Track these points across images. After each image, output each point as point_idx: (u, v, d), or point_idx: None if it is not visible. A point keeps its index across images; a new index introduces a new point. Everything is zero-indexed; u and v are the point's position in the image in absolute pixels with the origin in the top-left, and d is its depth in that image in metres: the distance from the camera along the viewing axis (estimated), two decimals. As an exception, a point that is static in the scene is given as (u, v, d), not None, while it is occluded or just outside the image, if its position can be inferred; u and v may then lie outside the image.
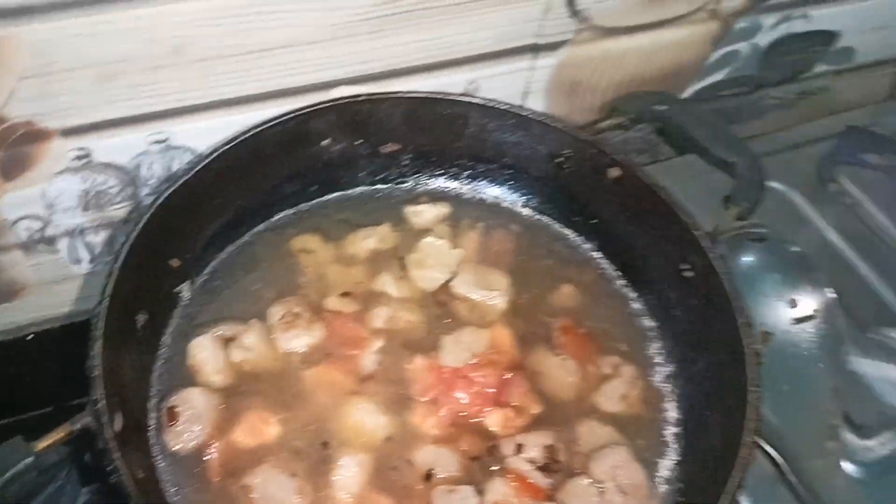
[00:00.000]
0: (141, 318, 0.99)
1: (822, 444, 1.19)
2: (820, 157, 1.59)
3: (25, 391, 1.42)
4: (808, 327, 1.29)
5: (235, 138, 1.07)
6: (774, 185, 1.49)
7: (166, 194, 1.00)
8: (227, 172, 1.08)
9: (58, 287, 1.32)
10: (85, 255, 1.29)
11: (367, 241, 1.17)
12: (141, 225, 0.96)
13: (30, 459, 0.78)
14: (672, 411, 1.05)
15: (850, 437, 1.22)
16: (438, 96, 1.16)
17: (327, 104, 1.13)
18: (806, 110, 1.74)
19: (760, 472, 1.17)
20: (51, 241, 1.25)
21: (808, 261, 1.30)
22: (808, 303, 1.27)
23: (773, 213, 1.33)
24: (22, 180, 1.15)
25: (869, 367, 1.29)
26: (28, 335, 1.37)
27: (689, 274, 1.07)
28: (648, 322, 1.13)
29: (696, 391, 1.04)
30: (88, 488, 1.36)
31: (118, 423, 0.85)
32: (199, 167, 1.03)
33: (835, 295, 1.27)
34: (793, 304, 1.27)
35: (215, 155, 1.05)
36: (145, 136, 1.17)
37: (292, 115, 1.10)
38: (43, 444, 0.80)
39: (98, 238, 1.28)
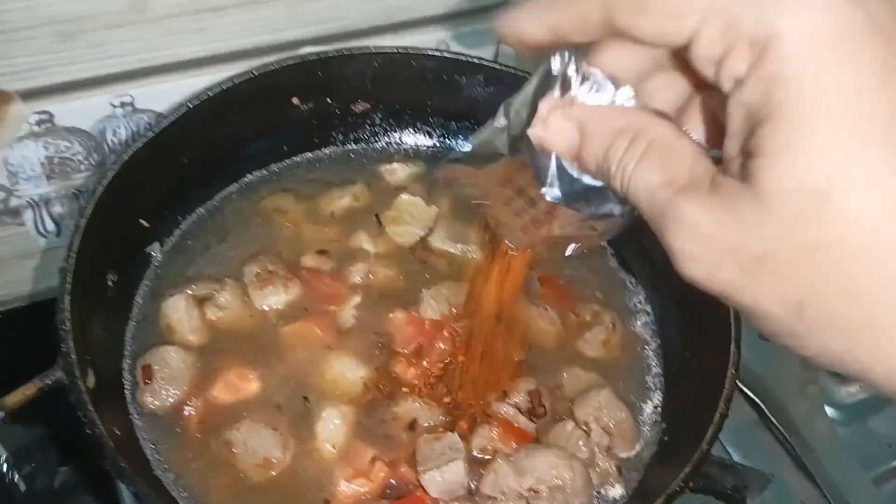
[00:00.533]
0: (111, 277, 0.96)
1: (803, 389, 1.19)
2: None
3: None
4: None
5: (203, 94, 1.05)
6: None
7: (133, 150, 0.97)
8: (195, 129, 1.05)
9: (25, 262, 1.29)
10: (52, 227, 1.26)
11: (342, 199, 1.15)
12: (107, 181, 0.93)
13: (0, 414, 0.75)
14: (653, 354, 1.05)
15: (829, 382, 1.23)
16: (410, 51, 1.14)
17: (295, 60, 1.11)
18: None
19: (743, 417, 1.18)
20: (15, 213, 1.21)
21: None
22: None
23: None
24: (-18, 147, 1.11)
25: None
26: (-5, 314, 1.33)
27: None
28: (627, 270, 1.13)
29: (677, 334, 1.04)
30: (65, 468, 1.32)
31: (90, 379, 0.83)
32: (167, 123, 1.01)
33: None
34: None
35: (183, 111, 1.02)
36: (109, 98, 1.14)
37: (259, 71, 1.08)
38: (13, 398, 0.78)
39: (65, 209, 1.25)
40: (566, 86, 0.52)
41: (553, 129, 0.53)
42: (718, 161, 0.47)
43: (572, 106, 0.52)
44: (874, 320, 0.41)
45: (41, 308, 1.33)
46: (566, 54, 0.52)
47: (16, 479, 1.24)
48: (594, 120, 0.51)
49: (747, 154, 0.43)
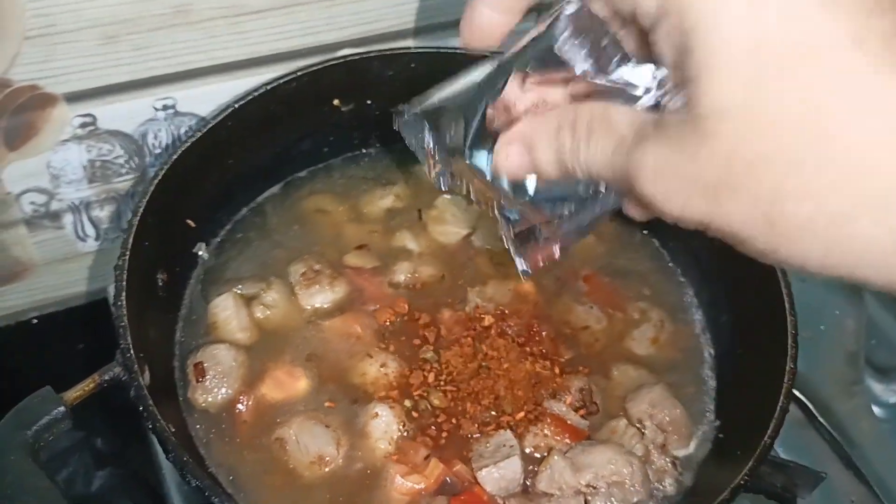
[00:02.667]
0: (161, 277, 0.96)
1: (849, 388, 1.18)
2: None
3: (29, 379, 1.38)
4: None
5: (248, 95, 1.05)
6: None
7: (180, 151, 0.97)
8: (240, 131, 1.06)
9: (63, 266, 1.29)
10: (91, 231, 1.26)
11: (383, 199, 1.15)
12: (158, 179, 0.94)
13: (62, 409, 0.75)
14: (704, 351, 1.04)
15: (873, 382, 1.22)
16: (452, 51, 1.14)
17: (338, 60, 1.12)
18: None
19: (789, 416, 1.17)
20: (56, 217, 1.22)
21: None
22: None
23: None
24: (26, 149, 1.12)
25: (888, 313, 1.29)
26: (32, 319, 1.33)
27: (712, 215, 1.06)
28: (674, 267, 1.12)
29: (728, 329, 1.03)
30: (102, 472, 1.32)
31: (146, 376, 0.83)
32: (213, 124, 1.01)
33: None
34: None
35: (229, 111, 1.03)
36: (151, 101, 1.15)
37: (303, 71, 1.09)
38: (73, 394, 0.77)
39: (104, 213, 1.25)
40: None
41: (503, 156, 0.58)
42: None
43: (509, 126, 0.57)
44: (836, 217, 0.43)
45: (78, 315, 1.34)
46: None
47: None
48: (534, 133, 0.56)
49: (681, 87, 0.46)
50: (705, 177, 0.45)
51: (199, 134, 0.99)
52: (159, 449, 0.98)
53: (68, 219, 1.23)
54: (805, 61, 0.42)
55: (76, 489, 1.32)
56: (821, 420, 1.14)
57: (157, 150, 1.20)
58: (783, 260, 0.46)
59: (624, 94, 0.54)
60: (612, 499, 0.85)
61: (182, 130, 1.19)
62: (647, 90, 0.53)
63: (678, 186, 0.46)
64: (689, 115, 0.45)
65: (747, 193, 0.44)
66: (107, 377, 0.79)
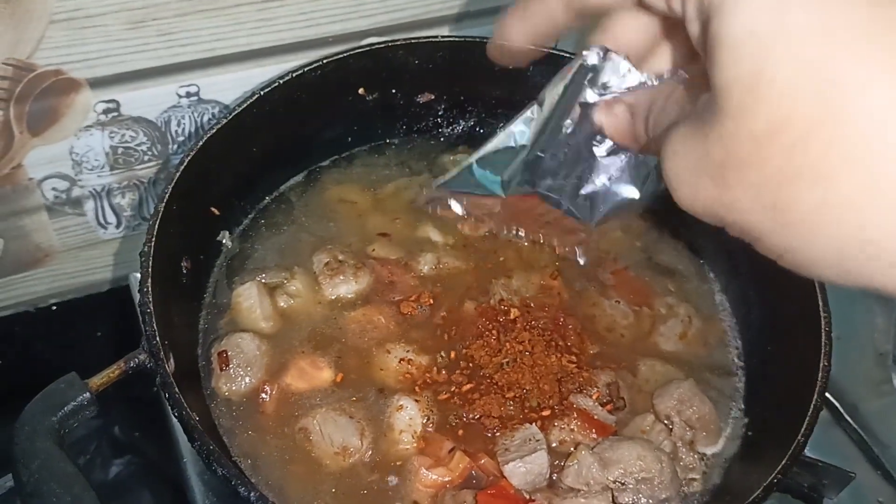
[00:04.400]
0: (185, 265, 0.96)
1: (878, 388, 1.16)
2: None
3: (49, 366, 1.38)
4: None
5: (273, 82, 1.04)
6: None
7: (206, 137, 0.96)
8: (264, 118, 1.05)
9: (83, 254, 1.28)
10: (112, 218, 1.25)
11: (408, 190, 1.14)
12: (183, 167, 0.93)
13: (87, 395, 0.74)
14: (733, 348, 1.02)
15: (902, 381, 1.20)
16: (478, 40, 1.13)
17: (363, 48, 1.10)
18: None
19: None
20: (77, 203, 1.21)
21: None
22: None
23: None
24: (49, 134, 1.11)
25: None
26: (52, 306, 1.33)
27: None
28: (703, 262, 1.10)
29: (758, 326, 1.01)
30: (120, 460, 1.32)
31: (171, 364, 0.82)
32: (238, 111, 1.00)
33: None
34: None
35: (254, 98, 1.02)
36: (175, 88, 1.14)
37: (329, 58, 1.07)
38: (98, 380, 0.77)
39: (125, 200, 1.24)
40: (595, 79, 0.58)
41: (612, 113, 0.58)
42: None
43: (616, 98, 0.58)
44: (847, 205, 0.40)
45: (98, 302, 1.34)
46: (595, 51, 0.58)
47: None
48: (635, 99, 0.57)
49: (707, 64, 0.45)
50: (713, 155, 0.43)
51: (225, 121, 0.99)
52: (179, 437, 0.98)
53: (90, 206, 1.22)
54: (820, 37, 0.40)
55: (94, 476, 1.32)
56: (849, 420, 1.12)
57: (181, 138, 1.20)
58: (799, 262, 0.44)
59: None
60: (640, 495, 0.84)
61: (205, 118, 1.18)
62: None
63: (690, 168, 0.45)
64: (711, 93, 0.44)
65: (753, 174, 0.42)
66: (132, 364, 0.78)
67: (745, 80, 0.42)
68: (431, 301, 1.02)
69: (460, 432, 0.90)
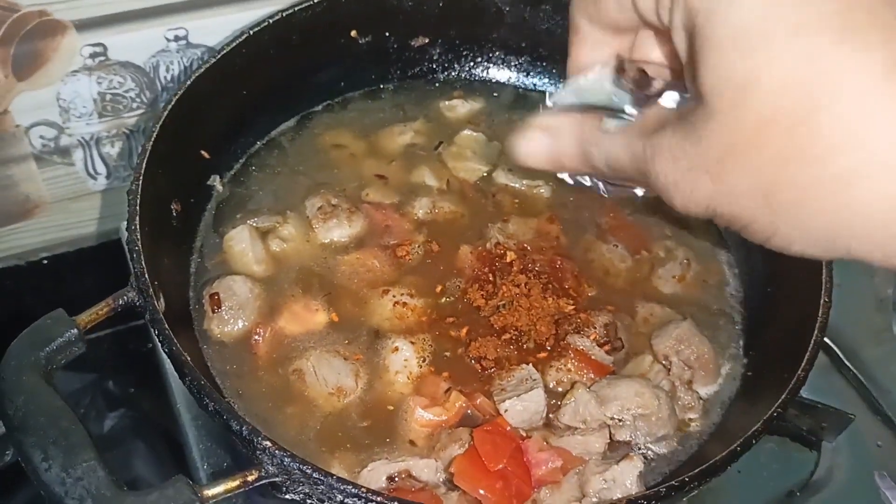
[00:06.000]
0: (174, 207, 0.94)
1: (879, 335, 1.16)
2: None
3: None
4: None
5: (262, 22, 1.02)
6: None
7: (194, 76, 0.94)
8: (254, 60, 1.02)
9: (73, 205, 1.26)
10: (101, 168, 1.23)
11: (402, 136, 1.12)
12: (171, 105, 0.91)
13: (74, 331, 0.73)
14: (732, 289, 1.01)
15: (903, 327, 1.19)
16: (473, -18, 1.10)
17: (356, -12, 1.08)
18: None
19: (817, 363, 1.14)
20: (66, 153, 1.19)
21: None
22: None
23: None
24: (35, 79, 1.09)
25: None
26: (42, 259, 1.31)
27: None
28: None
29: (758, 268, 1.00)
30: (114, 413, 1.31)
31: (161, 303, 0.80)
32: (227, 50, 0.98)
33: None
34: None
35: (243, 38, 1.00)
36: (163, 31, 1.11)
37: (321, -1, 1.05)
38: (86, 317, 0.75)
39: (115, 150, 1.22)
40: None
41: (526, 140, 0.60)
42: None
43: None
44: (836, 182, 0.43)
45: (89, 256, 1.32)
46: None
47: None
48: (558, 121, 0.58)
49: (691, 72, 0.48)
50: (711, 153, 0.46)
51: (214, 60, 0.96)
52: (172, 383, 0.97)
53: (78, 155, 1.20)
54: (805, 32, 0.43)
55: (88, 429, 1.31)
56: (848, 365, 1.11)
57: (169, 84, 1.17)
58: (785, 242, 0.47)
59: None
60: (638, 432, 0.83)
61: (194, 64, 1.16)
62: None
63: (687, 169, 0.47)
64: (698, 97, 0.46)
65: (749, 163, 0.45)
66: (121, 301, 0.77)
67: (736, 78, 0.44)
68: (426, 245, 1.00)
69: (456, 374, 0.89)
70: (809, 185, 0.44)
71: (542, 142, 0.59)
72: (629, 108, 0.56)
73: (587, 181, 0.64)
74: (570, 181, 0.64)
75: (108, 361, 1.36)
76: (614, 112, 0.56)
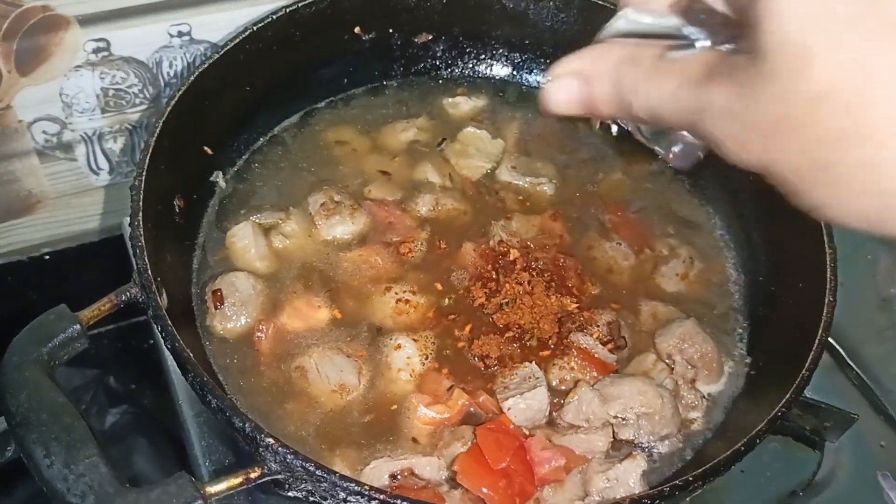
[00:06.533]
0: (178, 203, 0.94)
1: (882, 334, 1.15)
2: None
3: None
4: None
5: (266, 17, 1.01)
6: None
7: (198, 72, 0.94)
8: (257, 56, 1.02)
9: (75, 200, 1.26)
10: (104, 164, 1.23)
11: (406, 133, 1.12)
12: (175, 101, 0.91)
13: (77, 326, 0.73)
14: (736, 288, 1.01)
15: (905, 328, 1.18)
16: (479, -22, 1.10)
17: (360, -15, 1.07)
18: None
19: (820, 362, 1.14)
20: (68, 148, 1.19)
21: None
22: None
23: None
24: (38, 75, 1.08)
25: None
26: (44, 255, 1.31)
27: (746, 150, 1.02)
28: (705, 203, 1.09)
29: (761, 266, 0.99)
30: (116, 409, 1.31)
31: (164, 299, 0.80)
32: (230, 46, 0.98)
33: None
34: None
35: (247, 34, 0.99)
36: (166, 27, 1.11)
37: (324, -6, 1.04)
38: (88, 313, 0.75)
39: (117, 145, 1.22)
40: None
41: (554, 88, 0.53)
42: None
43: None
44: (891, 167, 0.41)
45: (91, 251, 1.32)
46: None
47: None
48: (593, 64, 0.52)
49: (749, 27, 0.45)
50: (766, 116, 0.44)
51: (217, 56, 0.96)
52: (175, 379, 0.97)
53: (81, 150, 1.20)
54: (859, 21, 0.42)
55: (89, 425, 1.31)
56: (851, 364, 1.11)
57: (172, 80, 1.17)
58: (833, 215, 0.45)
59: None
60: (641, 431, 0.83)
61: (197, 60, 1.15)
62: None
63: (741, 127, 0.45)
64: (755, 54, 0.44)
65: (804, 133, 0.43)
66: (123, 297, 0.76)
67: (794, 46, 0.43)
68: (429, 242, 1.00)
69: (459, 372, 0.89)
70: (861, 165, 0.43)
71: (573, 88, 0.53)
72: (702, 41, 0.50)
73: (643, 137, 0.60)
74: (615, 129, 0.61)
75: (110, 358, 1.36)
76: (681, 44, 0.50)
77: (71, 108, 1.14)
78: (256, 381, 0.87)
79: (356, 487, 0.67)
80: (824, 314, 0.82)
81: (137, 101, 1.17)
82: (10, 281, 1.31)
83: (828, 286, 0.84)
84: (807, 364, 0.78)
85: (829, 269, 0.85)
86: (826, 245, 0.87)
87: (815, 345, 0.80)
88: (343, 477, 0.67)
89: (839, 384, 1.12)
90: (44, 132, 1.15)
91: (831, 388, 1.11)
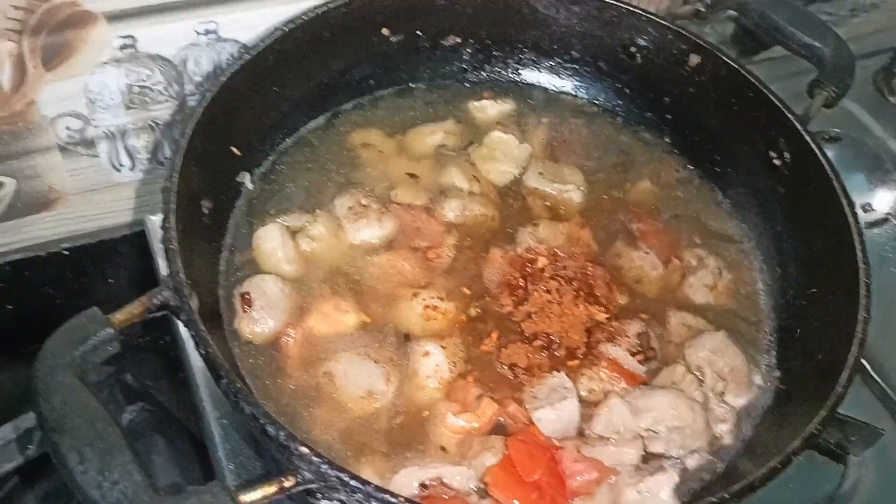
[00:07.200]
0: (206, 205, 0.93)
1: (907, 348, 1.14)
2: (876, 69, 1.54)
3: (61, 311, 1.35)
4: (882, 231, 1.25)
5: (297, 18, 1.01)
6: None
7: (230, 73, 0.93)
8: (286, 57, 1.01)
9: (96, 196, 1.25)
10: (126, 161, 1.22)
11: (433, 136, 1.11)
12: (207, 103, 0.89)
13: (110, 330, 0.72)
14: (765, 301, 1.00)
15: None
16: (509, -19, 1.09)
17: (390, -14, 1.06)
18: (857, 27, 1.69)
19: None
20: (91, 144, 1.18)
21: (882, 161, 1.25)
22: (883, 202, 1.22)
23: (836, 126, 1.28)
24: (63, 70, 1.07)
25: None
26: (63, 251, 1.30)
27: (777, 162, 1.02)
28: (735, 213, 1.08)
29: (791, 279, 0.99)
30: (133, 407, 1.30)
31: (195, 302, 0.79)
32: (262, 47, 0.97)
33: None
34: (866, 208, 1.22)
35: (278, 35, 0.98)
36: (193, 24, 1.10)
37: (355, -5, 1.04)
38: (120, 316, 0.74)
39: (140, 142, 1.21)
40: None
41: None
42: None
43: None
44: None
45: (111, 247, 1.31)
46: None
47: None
48: None
49: None
50: None
51: (248, 57, 0.95)
52: (199, 381, 0.97)
53: (104, 147, 1.19)
54: None
55: (123, 432, 1.31)
56: (877, 379, 1.10)
57: (197, 78, 1.16)
58: None
59: None
60: (672, 444, 0.82)
61: (223, 57, 1.15)
62: None
63: None
64: None
65: None
66: (155, 301, 0.76)
67: None
68: (457, 248, 0.99)
69: (487, 380, 0.89)
70: None
71: None
72: None
73: None
74: None
75: (126, 355, 1.35)
76: None
77: (95, 104, 1.13)
78: (284, 385, 0.86)
79: (392, 499, 0.66)
80: (859, 331, 0.82)
81: (162, 98, 1.17)
82: (28, 276, 1.30)
83: (861, 302, 0.83)
84: (841, 381, 0.78)
85: (863, 286, 0.84)
86: (860, 260, 0.86)
87: (850, 361, 0.79)
88: (378, 488, 0.67)
89: (864, 398, 1.11)
90: (67, 128, 1.14)
91: (856, 403, 1.09)
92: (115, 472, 0.64)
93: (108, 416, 0.68)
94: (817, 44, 1.07)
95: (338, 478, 0.67)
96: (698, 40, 1.06)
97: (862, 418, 1.03)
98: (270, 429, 0.69)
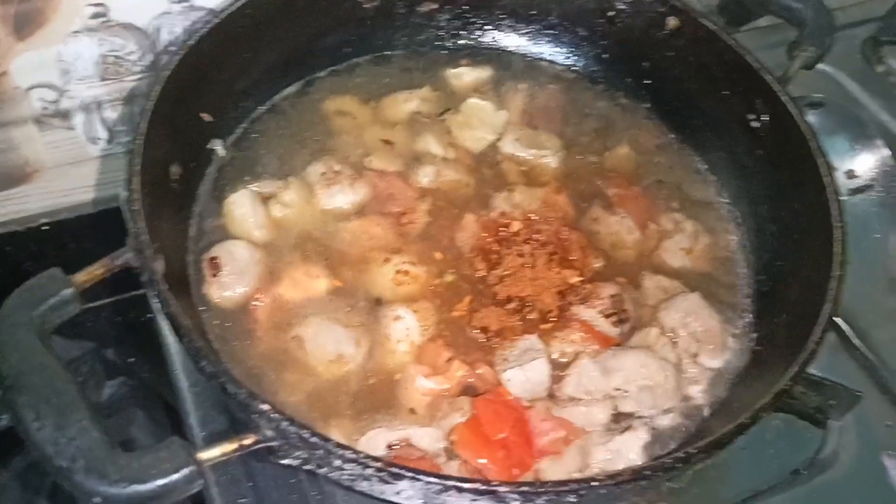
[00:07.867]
0: (175, 170, 0.92)
1: (892, 315, 1.13)
2: (864, 38, 1.52)
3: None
4: (866, 197, 1.23)
5: (268, -18, 0.99)
6: (822, 67, 1.42)
7: (197, 36, 0.92)
8: (258, 21, 1.00)
9: (73, 170, 1.24)
10: (102, 133, 1.21)
11: (408, 103, 1.10)
12: (173, 66, 0.88)
13: (70, 290, 0.72)
14: (741, 264, 0.99)
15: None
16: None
17: (363, -49, 1.05)
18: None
19: (825, 342, 1.12)
20: (66, 116, 1.17)
21: (867, 128, 1.24)
22: (867, 167, 1.21)
23: (823, 94, 1.27)
24: (35, 39, 1.06)
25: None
26: (42, 225, 1.30)
27: (755, 124, 1.00)
28: (710, 178, 1.07)
29: (768, 242, 0.98)
30: (113, 382, 1.30)
31: (160, 265, 0.78)
32: (231, 10, 0.96)
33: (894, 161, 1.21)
34: (850, 175, 1.21)
35: (248, -1, 0.97)
36: (167, -8, 1.09)
37: (327, -40, 1.02)
38: (82, 276, 0.73)
39: (116, 114, 1.20)
40: None
41: None
42: None
43: None
44: None
45: (89, 222, 1.30)
46: None
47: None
48: None
49: None
50: None
51: (217, 20, 0.94)
52: (172, 351, 0.96)
53: (79, 119, 1.18)
54: None
55: (82, 391, 1.30)
56: (858, 345, 1.09)
57: (171, 48, 1.15)
58: None
59: None
60: (642, 404, 0.82)
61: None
62: None
63: None
64: None
65: None
66: (118, 262, 0.75)
67: None
68: (430, 213, 0.98)
69: (458, 343, 0.88)
70: None
71: None
72: None
73: None
74: None
75: (108, 331, 1.35)
76: None
77: (69, 74, 1.12)
78: (252, 350, 0.86)
79: (351, 455, 0.65)
80: (832, 287, 0.81)
81: (136, 69, 1.16)
82: (8, 251, 1.29)
83: (835, 260, 0.82)
84: (813, 337, 0.77)
85: (837, 242, 0.83)
86: (834, 217, 0.85)
87: (823, 318, 0.78)
88: (338, 444, 0.66)
89: (845, 365, 1.10)
90: (41, 99, 1.13)
91: (837, 369, 1.09)
92: (71, 429, 0.64)
93: (65, 376, 0.67)
94: (797, 5, 1.05)
95: (298, 434, 0.66)
96: (675, 2, 1.04)
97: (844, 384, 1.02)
98: (230, 387, 0.68)
